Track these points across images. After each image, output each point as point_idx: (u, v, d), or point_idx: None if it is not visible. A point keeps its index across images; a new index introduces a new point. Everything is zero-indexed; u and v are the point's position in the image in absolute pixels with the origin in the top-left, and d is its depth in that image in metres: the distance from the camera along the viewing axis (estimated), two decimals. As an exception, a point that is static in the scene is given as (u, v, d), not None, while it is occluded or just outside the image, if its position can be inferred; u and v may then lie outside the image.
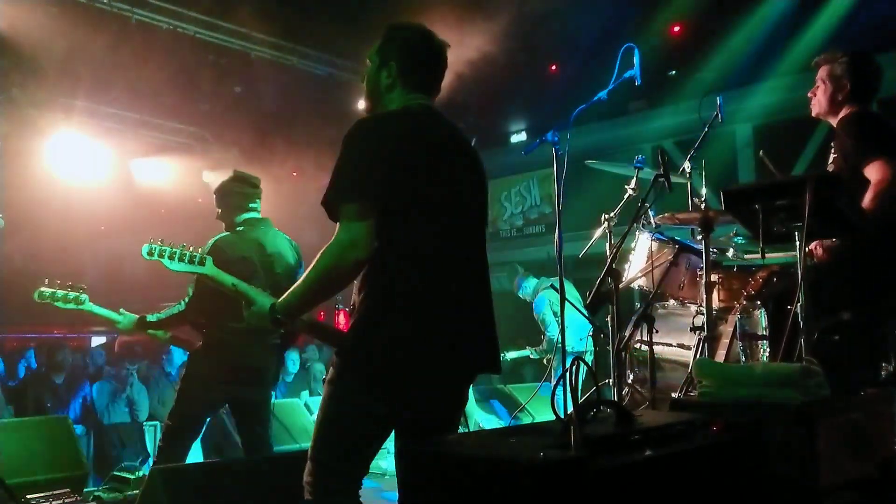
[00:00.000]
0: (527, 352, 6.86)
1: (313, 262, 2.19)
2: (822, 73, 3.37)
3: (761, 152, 3.71)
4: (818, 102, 3.40)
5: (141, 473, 5.31)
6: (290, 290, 2.27)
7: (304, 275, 2.22)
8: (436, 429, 2.20)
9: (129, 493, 5.09)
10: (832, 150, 3.32)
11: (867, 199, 3.00)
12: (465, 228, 2.31)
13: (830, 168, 3.26)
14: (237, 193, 3.82)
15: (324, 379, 2.35)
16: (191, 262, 2.55)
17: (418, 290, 2.17)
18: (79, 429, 6.06)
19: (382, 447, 2.35)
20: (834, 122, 3.38)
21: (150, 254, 2.57)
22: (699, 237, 3.59)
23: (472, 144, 2.51)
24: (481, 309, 2.31)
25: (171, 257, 2.56)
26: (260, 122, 9.63)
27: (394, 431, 2.31)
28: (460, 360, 2.24)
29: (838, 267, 3.20)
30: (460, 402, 2.37)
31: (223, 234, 3.66)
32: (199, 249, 2.57)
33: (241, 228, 3.72)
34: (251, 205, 3.82)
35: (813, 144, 8.54)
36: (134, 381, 7.18)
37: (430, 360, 2.16)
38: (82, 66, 7.91)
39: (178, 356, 7.80)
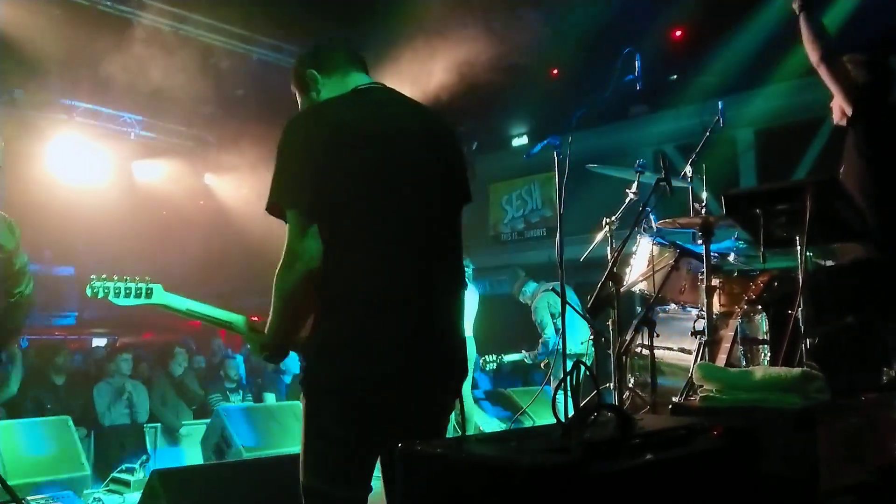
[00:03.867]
0: (521, 355, 6.85)
1: (273, 289, 2.06)
2: None
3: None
4: (833, 112, 3.46)
5: (141, 475, 5.31)
6: (267, 324, 2.16)
7: (272, 302, 2.09)
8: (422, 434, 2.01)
9: (130, 494, 5.09)
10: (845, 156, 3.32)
11: None
12: (420, 216, 2.09)
13: (842, 173, 3.26)
14: None
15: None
16: (137, 295, 2.40)
17: (367, 296, 2.01)
18: (79, 431, 6.05)
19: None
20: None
21: (95, 294, 2.41)
22: (700, 241, 3.59)
23: (441, 118, 2.28)
24: (438, 312, 2.11)
25: (116, 293, 2.40)
26: (262, 125, 9.64)
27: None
28: (415, 370, 2.04)
29: (840, 271, 3.20)
30: (438, 410, 2.18)
31: None
32: (145, 279, 2.41)
33: None
34: None
35: (814, 149, 8.55)
36: (136, 383, 7.19)
37: (384, 372, 1.99)
38: (84, 68, 7.93)
39: (183, 359, 7.81)
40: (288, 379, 8.61)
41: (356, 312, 2.01)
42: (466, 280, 2.32)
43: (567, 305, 4.00)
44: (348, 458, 2.05)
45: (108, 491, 5.26)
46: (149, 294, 2.40)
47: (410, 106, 2.25)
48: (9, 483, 3.55)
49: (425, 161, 2.14)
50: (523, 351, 6.85)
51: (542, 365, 7.02)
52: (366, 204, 2.02)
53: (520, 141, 11.23)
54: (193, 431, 7.01)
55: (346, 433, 2.01)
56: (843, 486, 2.11)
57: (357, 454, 2.06)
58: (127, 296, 2.39)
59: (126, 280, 2.41)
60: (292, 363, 8.76)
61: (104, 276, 2.42)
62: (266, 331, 2.16)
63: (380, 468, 2.16)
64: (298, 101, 2.35)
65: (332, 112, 2.13)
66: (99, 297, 2.40)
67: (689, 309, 4.04)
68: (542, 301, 6.62)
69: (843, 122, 3.43)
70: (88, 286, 2.42)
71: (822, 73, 3.18)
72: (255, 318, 2.32)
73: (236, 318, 2.32)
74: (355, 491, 2.07)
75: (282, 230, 2.06)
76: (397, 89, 2.31)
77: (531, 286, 6.90)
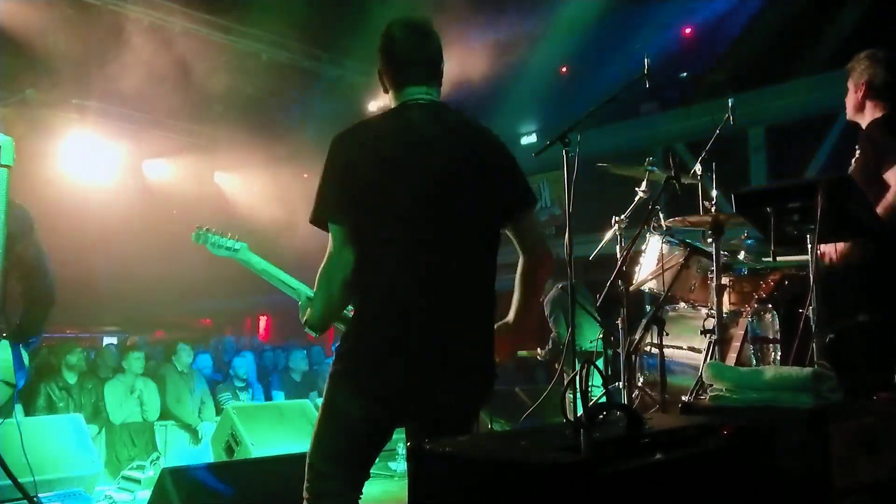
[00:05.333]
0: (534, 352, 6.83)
1: (316, 282, 2.30)
2: (849, 79, 3.41)
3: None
4: (846, 107, 3.45)
5: (152, 473, 5.34)
6: (312, 307, 2.40)
7: (315, 292, 2.34)
8: (440, 433, 2.15)
9: (140, 492, 5.12)
10: (856, 151, 3.30)
11: (883, 204, 2.98)
12: (448, 228, 2.24)
13: (852, 169, 3.24)
14: None
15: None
16: (227, 249, 2.83)
17: (396, 296, 2.20)
18: (91, 428, 6.09)
19: (392, 448, 2.35)
20: (861, 122, 3.38)
21: (198, 239, 2.86)
22: (710, 240, 3.57)
23: (482, 132, 2.41)
24: (460, 317, 2.24)
25: (213, 245, 2.84)
26: (271, 124, 9.67)
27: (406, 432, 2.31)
28: (433, 371, 2.19)
29: (852, 270, 3.18)
30: (460, 412, 2.28)
31: None
32: (235, 236, 2.86)
33: None
34: None
35: (826, 146, 8.50)
36: (147, 381, 7.23)
37: (401, 369, 2.17)
38: (96, 68, 7.97)
39: (187, 354, 7.83)
40: (297, 377, 8.64)
41: (376, 317, 2.21)
42: None
43: (577, 305, 3.98)
44: (348, 442, 2.24)
45: (119, 489, 5.29)
46: (236, 250, 2.84)
47: (452, 125, 2.36)
48: (20, 480, 3.57)
49: (459, 185, 2.28)
50: (538, 349, 6.82)
51: (555, 365, 7.00)
52: (392, 222, 2.22)
53: (529, 139, 11.20)
54: (207, 430, 7.05)
55: (353, 417, 2.21)
56: (857, 486, 2.10)
57: (356, 441, 2.25)
58: (220, 248, 2.84)
59: (221, 235, 2.87)
60: (301, 362, 8.79)
61: (207, 227, 2.90)
62: (310, 313, 2.41)
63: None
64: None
65: (368, 134, 2.33)
66: (199, 243, 2.86)
67: (699, 308, 4.02)
68: (556, 298, 6.59)
69: (857, 119, 3.41)
70: (195, 232, 2.87)
71: None
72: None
73: (302, 289, 2.64)
74: (349, 473, 2.25)
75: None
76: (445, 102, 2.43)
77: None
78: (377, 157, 2.25)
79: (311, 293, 2.50)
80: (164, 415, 7.24)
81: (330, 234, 2.25)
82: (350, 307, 2.35)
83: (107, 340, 12.58)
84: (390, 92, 2.39)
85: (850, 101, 3.41)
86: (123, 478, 5.43)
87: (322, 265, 2.26)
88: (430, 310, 2.20)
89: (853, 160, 3.29)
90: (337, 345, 2.31)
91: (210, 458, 6.04)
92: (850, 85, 3.41)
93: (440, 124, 2.33)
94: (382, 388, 2.18)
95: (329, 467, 2.23)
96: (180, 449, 7.10)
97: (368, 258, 2.21)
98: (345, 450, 2.24)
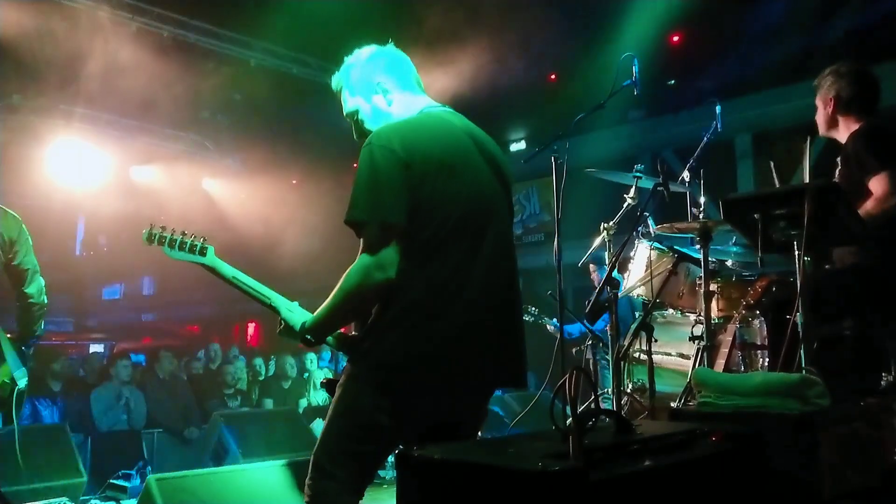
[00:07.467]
0: (554, 322, 6.83)
1: (339, 282, 2.15)
2: (817, 96, 3.44)
3: (771, 164, 3.70)
4: (818, 123, 3.47)
5: (138, 481, 5.29)
6: (318, 310, 2.24)
7: (332, 294, 2.18)
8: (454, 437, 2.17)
9: (126, 501, 5.08)
10: (839, 163, 3.32)
11: (863, 211, 3.00)
12: (486, 235, 2.23)
13: (836, 181, 3.26)
14: None
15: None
16: (191, 251, 2.38)
17: (433, 302, 2.13)
18: (76, 437, 6.03)
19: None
20: (837, 136, 3.41)
21: (150, 240, 2.41)
22: (698, 246, 3.59)
23: (489, 137, 2.43)
24: (503, 322, 2.25)
25: (171, 245, 2.39)
26: (259, 130, 9.65)
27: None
28: (476, 376, 2.19)
29: (839, 276, 3.20)
30: (476, 418, 2.33)
31: None
32: (201, 237, 2.39)
33: None
34: None
35: (813, 153, 8.54)
36: (133, 389, 7.17)
37: (444, 374, 2.12)
38: (83, 73, 7.93)
39: (169, 361, 7.77)
40: (287, 385, 8.59)
41: (426, 325, 2.12)
42: None
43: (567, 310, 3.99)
44: (361, 446, 2.18)
45: (105, 497, 5.24)
46: (202, 252, 2.37)
47: (477, 132, 2.37)
48: (4, 490, 3.53)
49: (494, 186, 2.32)
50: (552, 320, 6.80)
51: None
52: (447, 225, 2.15)
53: (518, 146, 11.24)
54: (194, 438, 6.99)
55: (373, 424, 2.14)
56: (845, 492, 2.10)
57: (368, 446, 2.19)
58: (181, 249, 2.36)
59: (183, 234, 2.38)
60: (288, 369, 8.74)
61: (162, 226, 2.40)
62: (312, 319, 2.25)
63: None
64: (352, 99, 2.42)
65: (418, 135, 2.22)
66: (153, 244, 2.38)
67: (687, 314, 4.04)
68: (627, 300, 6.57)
69: (831, 134, 3.44)
70: (145, 231, 2.39)
71: None
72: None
73: (276, 297, 2.33)
74: (354, 477, 2.19)
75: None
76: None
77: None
78: (434, 159, 2.17)
79: (289, 304, 2.32)
80: (151, 422, 7.18)
81: (369, 237, 2.11)
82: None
83: (93, 348, 12.50)
84: (398, 95, 2.36)
85: (821, 117, 3.44)
86: (109, 486, 5.38)
87: (355, 268, 2.11)
88: (490, 319, 2.19)
89: (836, 172, 3.31)
90: (364, 346, 2.17)
91: (198, 466, 6.00)
92: (819, 102, 3.44)
93: (472, 131, 2.35)
94: (425, 402, 2.14)
95: (334, 468, 2.18)
96: (167, 457, 7.04)
97: (420, 263, 2.12)
98: (355, 453, 2.19)
